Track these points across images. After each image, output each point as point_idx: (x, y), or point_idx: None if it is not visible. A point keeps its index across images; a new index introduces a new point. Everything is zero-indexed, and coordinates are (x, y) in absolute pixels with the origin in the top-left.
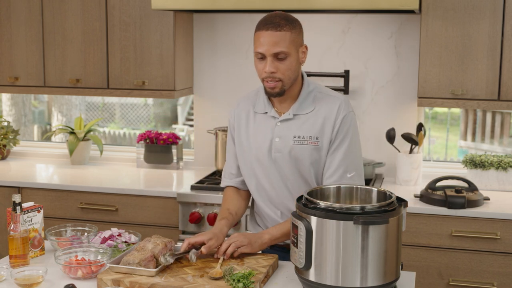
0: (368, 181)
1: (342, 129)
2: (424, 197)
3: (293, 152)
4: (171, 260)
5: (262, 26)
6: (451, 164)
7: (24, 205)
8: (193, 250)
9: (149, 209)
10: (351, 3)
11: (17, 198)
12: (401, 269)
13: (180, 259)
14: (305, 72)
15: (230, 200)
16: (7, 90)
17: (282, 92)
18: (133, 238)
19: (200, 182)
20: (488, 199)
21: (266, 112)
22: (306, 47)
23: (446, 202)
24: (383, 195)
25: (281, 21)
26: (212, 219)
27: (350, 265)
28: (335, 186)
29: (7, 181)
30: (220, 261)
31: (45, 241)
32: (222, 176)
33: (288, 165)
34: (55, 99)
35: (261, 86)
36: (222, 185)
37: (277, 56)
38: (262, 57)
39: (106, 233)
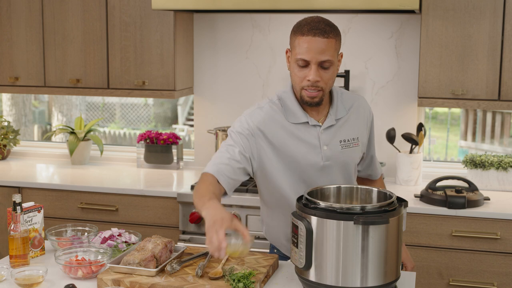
0: None
1: (373, 124)
2: (424, 197)
3: (343, 157)
4: (178, 268)
5: (307, 31)
6: (451, 164)
7: (25, 205)
8: (200, 265)
9: (149, 209)
10: (351, 3)
11: (17, 198)
12: (401, 269)
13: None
14: None
15: (215, 186)
16: (8, 90)
17: (321, 101)
18: (133, 238)
19: None
20: (488, 199)
21: (307, 122)
22: (341, 55)
23: (447, 202)
24: (383, 195)
25: (326, 27)
26: None
27: (350, 265)
28: (335, 186)
29: (7, 181)
30: (223, 261)
31: (45, 241)
32: (210, 163)
33: (336, 171)
34: (55, 99)
35: (286, 96)
36: (207, 170)
37: (322, 65)
38: (305, 65)
39: (107, 233)
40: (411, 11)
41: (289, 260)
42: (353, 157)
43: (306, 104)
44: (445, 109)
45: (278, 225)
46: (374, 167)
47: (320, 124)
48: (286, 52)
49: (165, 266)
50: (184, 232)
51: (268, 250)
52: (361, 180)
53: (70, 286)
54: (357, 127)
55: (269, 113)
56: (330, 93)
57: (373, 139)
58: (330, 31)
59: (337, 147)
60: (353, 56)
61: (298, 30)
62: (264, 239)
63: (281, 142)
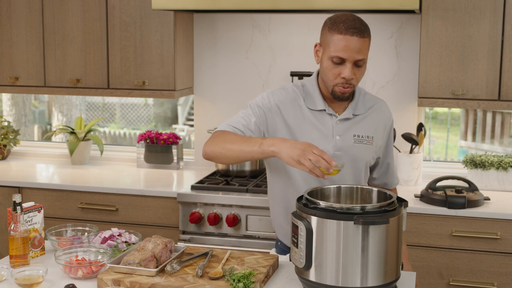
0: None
1: (391, 131)
2: (424, 197)
3: (354, 151)
4: (178, 268)
5: (345, 29)
6: (451, 164)
7: (25, 205)
8: (200, 265)
9: (149, 209)
10: (351, 3)
11: (17, 198)
12: (401, 269)
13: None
14: (306, 72)
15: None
16: (8, 90)
17: (349, 97)
18: (134, 238)
19: (200, 182)
20: (488, 199)
21: (324, 110)
22: None
23: (447, 202)
24: (384, 195)
25: (362, 26)
26: (212, 219)
27: (351, 265)
28: (335, 186)
29: (7, 181)
30: (223, 261)
31: (45, 241)
32: (224, 124)
33: (346, 164)
34: (55, 99)
35: (309, 84)
36: (221, 128)
37: (356, 63)
38: (340, 62)
39: (107, 233)
40: (411, 11)
41: (289, 260)
42: (364, 154)
43: (337, 99)
44: (445, 109)
45: (286, 207)
46: (390, 175)
47: (337, 114)
48: (315, 46)
49: (165, 266)
50: (184, 232)
51: (268, 250)
52: None
53: (70, 286)
54: (374, 127)
55: (290, 94)
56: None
57: (390, 146)
58: (365, 31)
59: (349, 140)
60: None
61: (335, 27)
62: (264, 239)
63: (296, 124)
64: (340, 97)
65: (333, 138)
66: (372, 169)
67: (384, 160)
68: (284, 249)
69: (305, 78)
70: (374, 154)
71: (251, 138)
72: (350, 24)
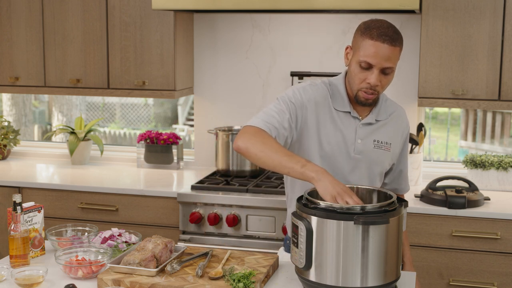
0: None
1: (407, 138)
2: (424, 197)
3: (372, 156)
4: (178, 268)
5: (376, 36)
6: (451, 164)
7: (25, 205)
8: (200, 265)
9: (149, 209)
10: (351, 3)
11: (17, 198)
12: (402, 269)
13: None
14: (306, 72)
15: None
16: (8, 90)
17: (373, 103)
18: (134, 238)
19: (201, 182)
20: (488, 199)
21: (349, 112)
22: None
23: (447, 202)
24: (384, 195)
25: (394, 34)
26: (212, 219)
27: (351, 265)
28: None
29: (7, 181)
30: (223, 261)
31: (45, 241)
32: (259, 119)
33: (364, 168)
34: (55, 99)
35: (337, 83)
36: (256, 124)
37: (384, 71)
38: (368, 67)
39: (107, 233)
40: (411, 11)
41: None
42: (382, 160)
43: (360, 104)
44: (445, 109)
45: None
46: (401, 182)
47: (360, 118)
48: (346, 48)
49: (165, 266)
50: (184, 232)
51: (268, 250)
52: None
53: (70, 286)
54: (392, 133)
55: (320, 92)
56: None
57: (405, 154)
58: (397, 39)
59: (370, 145)
60: None
61: (367, 32)
62: (264, 239)
63: (322, 122)
64: (363, 102)
65: (355, 141)
66: (385, 174)
67: (398, 167)
68: None
69: (333, 77)
70: (390, 161)
71: (294, 155)
72: (382, 31)
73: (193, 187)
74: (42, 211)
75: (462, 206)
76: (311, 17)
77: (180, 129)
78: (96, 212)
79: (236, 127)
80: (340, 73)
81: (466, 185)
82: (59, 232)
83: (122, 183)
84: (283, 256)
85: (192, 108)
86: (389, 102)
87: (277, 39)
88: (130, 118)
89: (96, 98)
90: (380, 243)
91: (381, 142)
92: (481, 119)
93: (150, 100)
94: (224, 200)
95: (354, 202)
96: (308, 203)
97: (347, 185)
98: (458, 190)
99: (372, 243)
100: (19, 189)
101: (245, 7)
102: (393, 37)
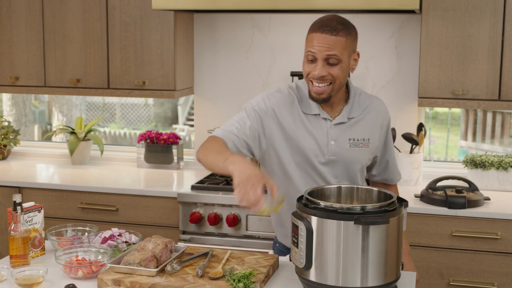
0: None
1: (389, 128)
2: (424, 197)
3: (349, 155)
4: (178, 268)
5: (317, 28)
6: (451, 164)
7: (25, 205)
8: (200, 265)
9: (149, 209)
10: (351, 3)
11: (17, 198)
12: (402, 269)
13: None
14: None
15: (226, 147)
16: (8, 90)
17: (328, 98)
18: (134, 238)
19: (201, 182)
20: (488, 199)
21: (318, 114)
22: (358, 54)
23: (447, 202)
24: (384, 195)
25: (337, 25)
26: (212, 219)
27: (351, 265)
28: (335, 186)
29: (7, 181)
30: (223, 261)
31: (45, 241)
32: (219, 129)
33: (341, 168)
34: (55, 99)
35: (303, 86)
36: (215, 134)
37: (328, 60)
38: (312, 59)
39: (107, 233)
40: (411, 11)
41: (289, 260)
42: (360, 158)
43: (313, 100)
44: (445, 109)
45: (289, 207)
46: (390, 172)
47: (331, 118)
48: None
49: (165, 266)
50: (184, 232)
51: (268, 250)
52: (375, 185)
53: (70, 286)
54: (369, 128)
55: (286, 98)
56: (348, 91)
57: (389, 144)
58: (341, 29)
59: (344, 144)
60: None
61: (311, 27)
62: (264, 239)
63: (291, 128)
64: (315, 98)
65: (328, 143)
66: (371, 166)
67: (383, 158)
68: (283, 250)
69: (300, 80)
70: (370, 155)
71: (225, 151)
72: (324, 23)
73: (193, 187)
74: (42, 211)
75: (462, 206)
76: (311, 17)
77: (180, 129)
78: (96, 212)
79: None
80: None
81: (466, 185)
82: (59, 232)
83: (122, 183)
84: (282, 256)
85: (192, 108)
86: (363, 96)
87: (277, 39)
88: (130, 118)
89: (96, 98)
90: (380, 243)
91: (358, 140)
92: (481, 119)
93: (150, 100)
94: (224, 200)
95: (253, 195)
96: (308, 203)
97: (346, 185)
98: (458, 190)
99: (372, 243)
100: (19, 189)
101: (245, 7)
102: (334, 27)
